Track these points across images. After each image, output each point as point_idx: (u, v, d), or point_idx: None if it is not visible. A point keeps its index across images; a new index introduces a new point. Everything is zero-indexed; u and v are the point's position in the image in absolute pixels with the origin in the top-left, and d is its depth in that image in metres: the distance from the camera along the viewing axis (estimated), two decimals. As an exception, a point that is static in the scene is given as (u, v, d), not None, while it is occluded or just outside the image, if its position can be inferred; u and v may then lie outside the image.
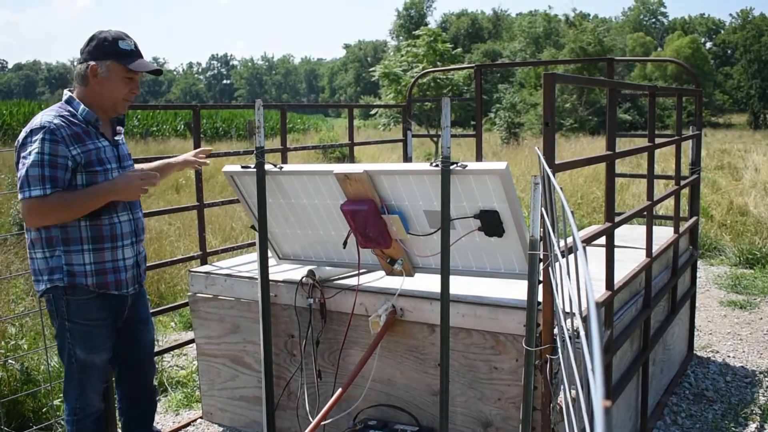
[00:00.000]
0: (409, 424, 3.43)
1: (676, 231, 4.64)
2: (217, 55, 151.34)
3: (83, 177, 3.06)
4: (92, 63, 3.11)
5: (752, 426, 4.31)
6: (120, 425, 3.69)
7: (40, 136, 2.96)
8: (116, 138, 3.29)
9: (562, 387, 2.85)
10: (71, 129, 3.04)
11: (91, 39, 3.15)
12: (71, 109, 3.13)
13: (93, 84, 3.13)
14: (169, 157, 3.78)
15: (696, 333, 5.82)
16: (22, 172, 2.96)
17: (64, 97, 3.18)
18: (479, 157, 5.91)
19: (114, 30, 3.19)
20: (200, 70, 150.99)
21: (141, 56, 3.22)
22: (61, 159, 2.97)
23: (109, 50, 3.11)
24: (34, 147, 2.95)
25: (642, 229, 4.57)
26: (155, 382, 3.80)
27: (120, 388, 3.59)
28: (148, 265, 3.72)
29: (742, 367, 5.29)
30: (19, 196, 2.97)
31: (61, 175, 2.97)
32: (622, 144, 12.80)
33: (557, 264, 2.42)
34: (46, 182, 2.93)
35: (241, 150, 5.03)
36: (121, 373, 3.54)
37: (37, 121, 3.03)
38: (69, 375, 3.26)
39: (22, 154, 2.99)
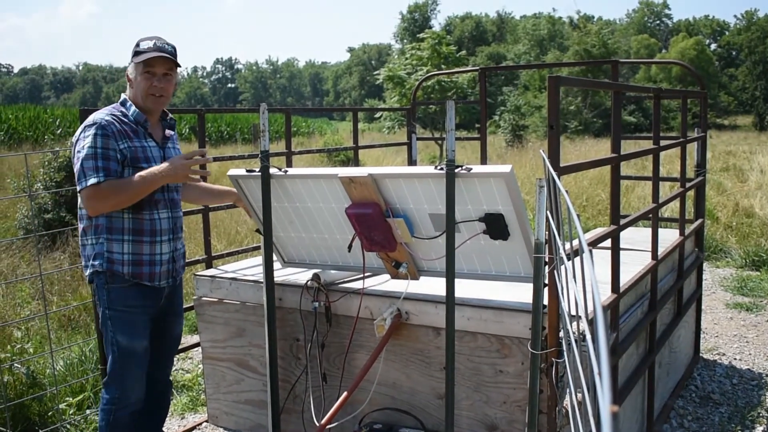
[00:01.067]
0: (414, 427, 3.42)
1: (682, 233, 4.63)
2: (221, 58, 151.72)
3: (130, 172, 3.27)
4: (128, 68, 3.41)
5: (759, 429, 4.30)
6: None
7: (92, 131, 3.21)
8: (165, 142, 3.51)
9: (567, 390, 2.84)
10: (121, 126, 3.29)
11: None
12: (123, 110, 3.38)
13: (130, 87, 3.41)
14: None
15: (702, 335, 5.80)
16: (77, 166, 3.20)
17: (120, 99, 3.43)
18: (484, 160, 5.91)
19: (150, 35, 3.41)
20: (205, 74, 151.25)
21: (161, 52, 3.33)
22: (112, 152, 3.22)
23: (133, 52, 3.36)
24: (87, 141, 3.20)
25: (647, 232, 4.56)
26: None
27: None
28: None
29: (749, 369, 5.28)
30: (78, 188, 3.20)
31: (113, 167, 3.21)
32: (627, 146, 12.79)
33: (563, 267, 2.42)
34: (100, 171, 3.16)
35: (246, 154, 5.04)
36: None
37: (90, 118, 3.29)
38: (112, 364, 3.39)
39: (77, 149, 3.24)
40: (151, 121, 3.43)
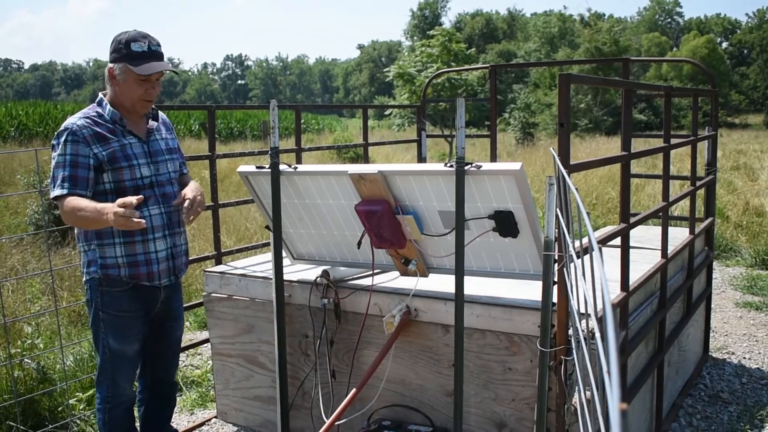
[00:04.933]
0: (423, 424, 3.43)
1: (692, 232, 4.62)
2: (231, 55, 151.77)
3: (109, 174, 3.20)
4: (110, 65, 3.25)
5: (769, 428, 4.28)
6: (138, 415, 3.74)
7: (63, 138, 3.16)
8: (149, 135, 3.38)
9: (576, 388, 2.84)
10: (95, 129, 3.20)
11: (112, 41, 3.26)
12: (99, 110, 3.29)
13: (113, 85, 3.28)
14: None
15: (711, 334, 5.78)
16: (51, 173, 3.17)
17: (97, 99, 3.33)
18: (494, 158, 5.90)
19: (134, 31, 3.24)
20: (215, 70, 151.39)
21: (156, 57, 3.24)
22: (82, 158, 3.14)
23: (122, 53, 3.20)
24: (58, 149, 3.16)
25: (657, 230, 4.54)
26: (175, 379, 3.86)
27: (142, 379, 3.68)
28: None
29: (758, 368, 5.26)
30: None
31: (82, 174, 3.13)
32: (638, 144, 12.73)
33: (572, 265, 2.41)
34: (66, 181, 3.11)
35: (256, 150, 5.05)
36: (144, 364, 3.63)
37: (63, 125, 3.21)
38: (102, 364, 3.37)
39: (52, 156, 3.19)
40: (131, 117, 3.31)
